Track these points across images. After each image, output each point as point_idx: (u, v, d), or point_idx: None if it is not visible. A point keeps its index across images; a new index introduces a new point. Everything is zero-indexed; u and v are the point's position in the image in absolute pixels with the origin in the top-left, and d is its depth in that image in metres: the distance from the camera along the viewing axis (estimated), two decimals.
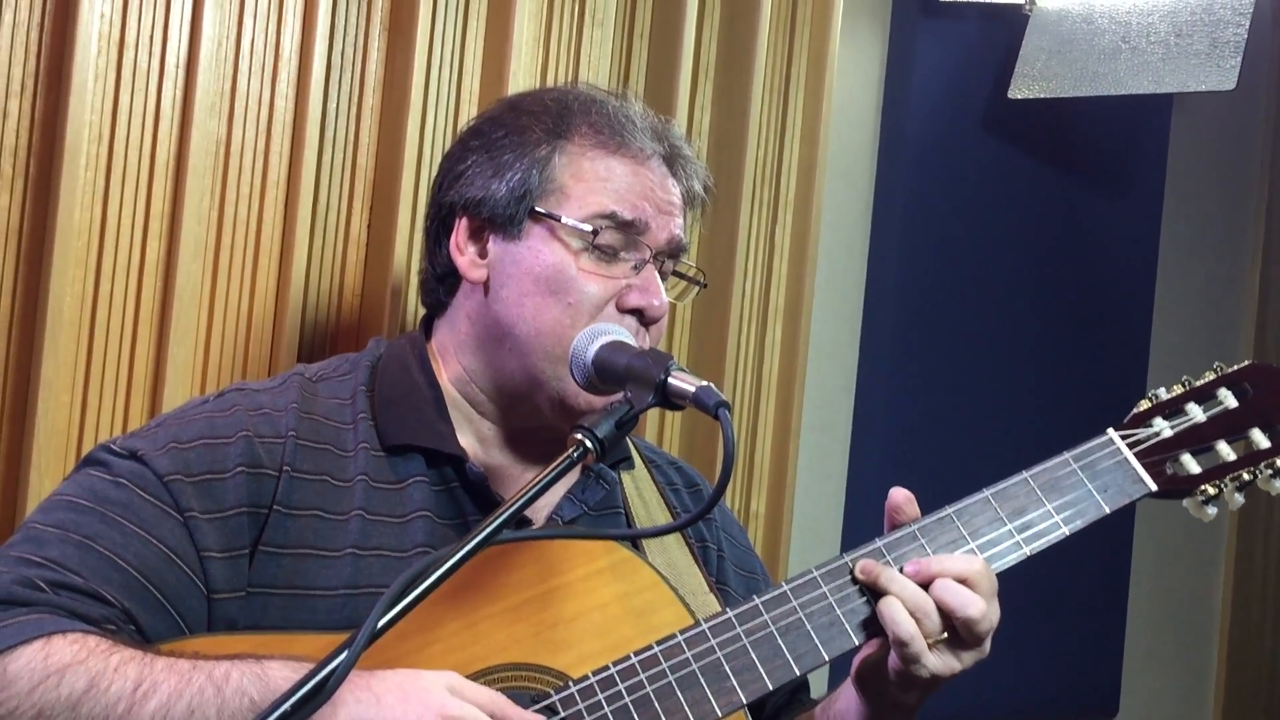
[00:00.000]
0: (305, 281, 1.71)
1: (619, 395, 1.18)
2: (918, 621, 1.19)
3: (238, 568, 1.20)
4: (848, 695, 1.29)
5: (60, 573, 1.13)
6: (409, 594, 0.97)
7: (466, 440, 1.35)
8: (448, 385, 1.37)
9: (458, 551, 1.01)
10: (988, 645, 1.23)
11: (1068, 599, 2.73)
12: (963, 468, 2.47)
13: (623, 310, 1.32)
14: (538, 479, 1.09)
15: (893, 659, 1.21)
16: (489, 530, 1.02)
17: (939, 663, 1.20)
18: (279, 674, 1.06)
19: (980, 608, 1.19)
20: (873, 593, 1.23)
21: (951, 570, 1.21)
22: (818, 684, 2.19)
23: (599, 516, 1.36)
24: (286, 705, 0.92)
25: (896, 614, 1.19)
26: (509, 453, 1.37)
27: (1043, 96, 2.42)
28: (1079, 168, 2.74)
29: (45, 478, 1.48)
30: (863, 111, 2.42)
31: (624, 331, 1.27)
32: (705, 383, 1.14)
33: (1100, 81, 2.34)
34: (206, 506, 1.20)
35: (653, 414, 2.05)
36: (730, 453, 1.10)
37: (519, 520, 1.14)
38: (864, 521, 2.40)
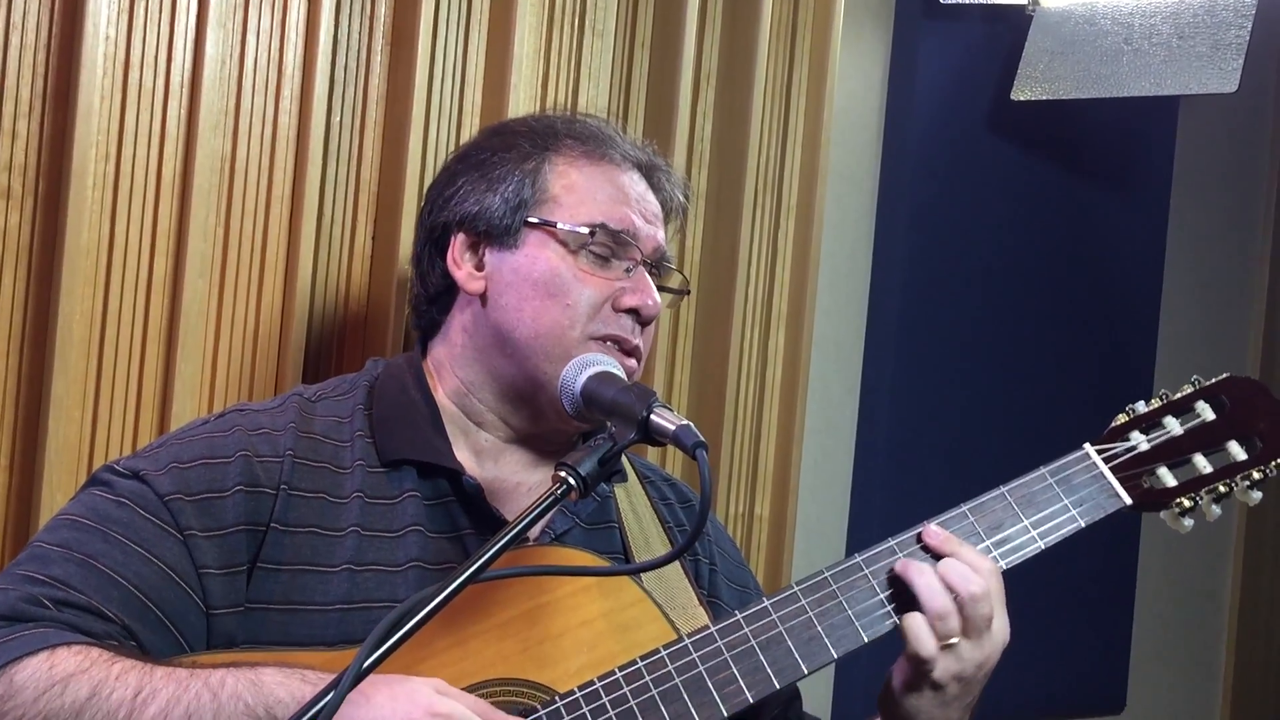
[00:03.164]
0: (311, 295, 1.74)
1: (603, 434, 1.21)
2: (934, 625, 1.23)
3: (235, 584, 1.24)
4: None
5: (64, 590, 1.16)
6: (395, 634, 1.00)
7: (463, 455, 1.37)
8: (444, 400, 1.40)
9: (444, 590, 1.04)
10: (991, 647, 1.26)
11: (1074, 595, 2.74)
12: (969, 468, 2.49)
13: (618, 310, 1.37)
14: (519, 519, 1.11)
15: (903, 671, 1.25)
16: (469, 573, 1.05)
17: (943, 666, 1.24)
18: (272, 679, 1.10)
19: (982, 585, 1.24)
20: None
21: (963, 554, 1.27)
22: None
23: (591, 529, 1.39)
24: None
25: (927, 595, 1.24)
26: (506, 465, 1.40)
27: (1045, 98, 2.43)
28: (1085, 168, 2.74)
29: (57, 493, 1.52)
30: (865, 114, 2.43)
31: (613, 363, 1.30)
32: (685, 422, 1.17)
33: (1103, 83, 2.34)
34: (206, 524, 1.23)
35: None
36: (706, 493, 1.14)
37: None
38: (869, 522, 2.42)
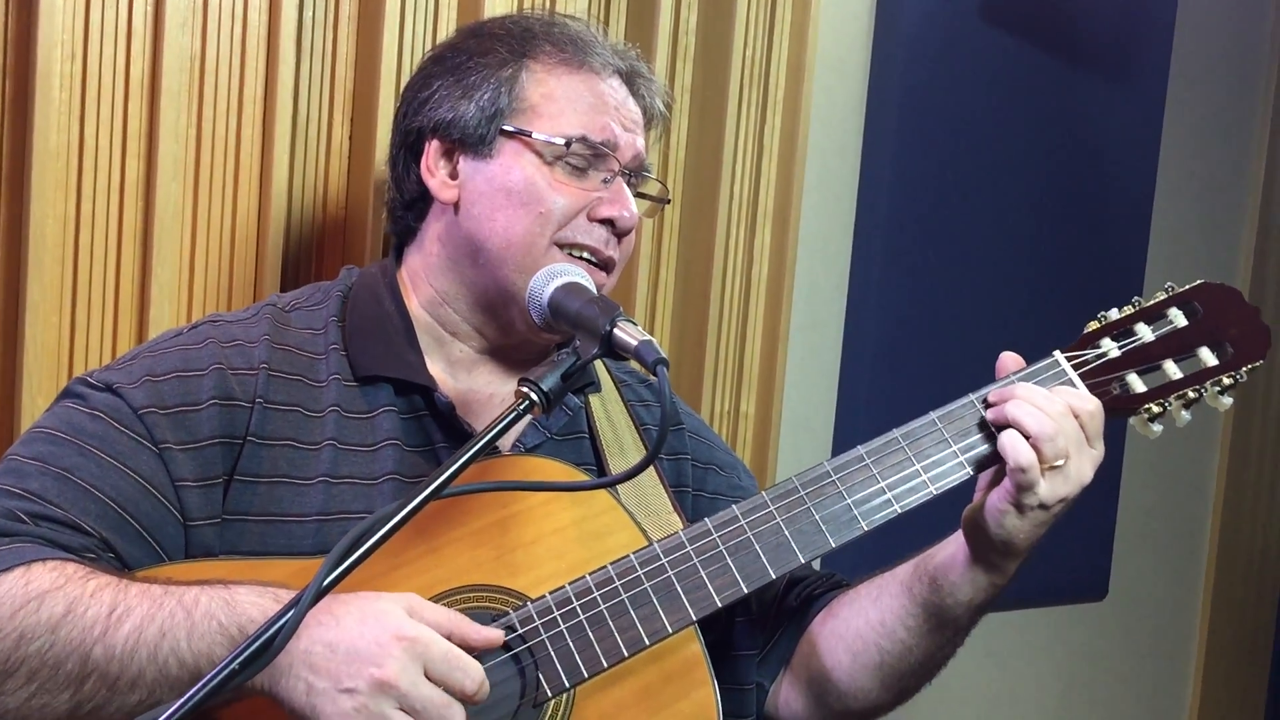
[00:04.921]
0: (288, 196, 1.73)
1: (565, 349, 1.21)
2: (1039, 448, 1.24)
3: (212, 496, 1.24)
4: (953, 546, 1.34)
5: (40, 504, 1.17)
6: (355, 551, 1.01)
7: (436, 368, 1.37)
8: (418, 311, 1.40)
9: (403, 509, 1.05)
10: (1089, 471, 1.30)
11: None
12: (956, 364, 2.49)
13: (594, 220, 1.36)
14: (481, 435, 1.12)
15: (1000, 493, 1.27)
16: (429, 491, 1.05)
17: (1047, 489, 1.26)
18: (245, 599, 1.11)
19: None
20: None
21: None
22: None
23: (562, 441, 1.39)
24: (235, 663, 0.97)
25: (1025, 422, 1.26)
26: (480, 377, 1.40)
27: None
28: (1080, 56, 2.68)
29: (38, 397, 1.53)
30: (855, 3, 2.37)
31: (581, 273, 1.30)
32: (648, 337, 1.17)
33: None
34: (180, 438, 1.24)
35: (643, 324, 2.07)
36: (667, 408, 1.15)
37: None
38: (855, 419, 2.43)
